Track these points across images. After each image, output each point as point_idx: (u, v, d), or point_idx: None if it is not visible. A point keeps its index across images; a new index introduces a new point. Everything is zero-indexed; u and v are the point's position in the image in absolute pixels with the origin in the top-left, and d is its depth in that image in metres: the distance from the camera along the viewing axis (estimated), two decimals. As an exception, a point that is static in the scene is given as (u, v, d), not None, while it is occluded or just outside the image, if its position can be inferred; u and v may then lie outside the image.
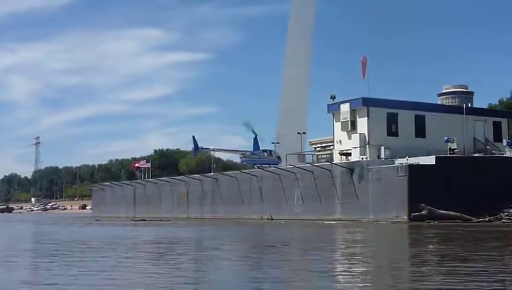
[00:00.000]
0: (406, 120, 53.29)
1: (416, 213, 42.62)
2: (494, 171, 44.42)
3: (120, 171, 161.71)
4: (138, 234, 35.28)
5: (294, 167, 55.42)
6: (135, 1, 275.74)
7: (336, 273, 15.05)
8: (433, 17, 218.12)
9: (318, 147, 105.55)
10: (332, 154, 59.64)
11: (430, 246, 23.40)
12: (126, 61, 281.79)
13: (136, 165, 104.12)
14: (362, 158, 50.02)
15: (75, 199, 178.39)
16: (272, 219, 54.90)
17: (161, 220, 59.19)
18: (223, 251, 22.03)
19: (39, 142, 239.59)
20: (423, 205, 42.48)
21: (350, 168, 49.15)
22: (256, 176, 59.81)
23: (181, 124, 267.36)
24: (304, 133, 75.04)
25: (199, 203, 67.79)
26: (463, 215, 41.71)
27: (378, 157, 49.93)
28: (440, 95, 60.84)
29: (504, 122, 58.70)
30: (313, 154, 69.83)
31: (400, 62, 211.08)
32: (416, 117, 53.94)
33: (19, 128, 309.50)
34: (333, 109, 54.91)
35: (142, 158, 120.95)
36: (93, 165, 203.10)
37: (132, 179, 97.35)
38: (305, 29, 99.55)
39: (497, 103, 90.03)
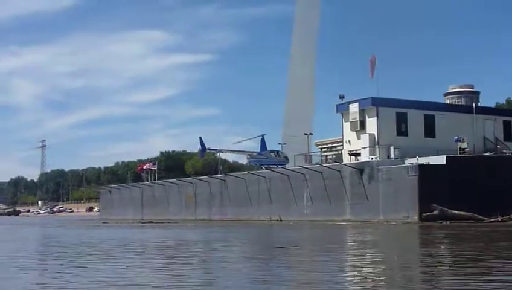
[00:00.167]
0: (416, 120, 52.89)
1: (427, 213, 42.23)
2: (505, 170, 44.07)
3: (126, 174, 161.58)
4: (145, 237, 34.91)
5: (303, 167, 55.10)
6: (138, 3, 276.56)
7: (347, 274, 14.72)
8: (437, 18, 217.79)
9: (324, 147, 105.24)
10: (339, 154, 59.30)
11: (442, 247, 22.93)
12: (130, 63, 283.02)
13: (143, 167, 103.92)
14: (372, 158, 49.66)
15: (82, 201, 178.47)
16: (281, 220, 54.55)
17: (169, 222, 58.91)
18: (232, 253, 21.66)
19: (45, 145, 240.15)
20: (435, 205, 42.08)
21: (360, 168, 48.78)
22: (264, 177, 59.49)
23: (185, 126, 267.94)
24: (311, 134, 74.84)
25: (207, 205, 67.51)
26: (475, 215, 41.25)
27: (388, 157, 49.57)
28: (446, 94, 60.50)
29: (515, 121, 58.14)
30: (321, 155, 69.50)
31: (405, 63, 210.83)
32: (426, 116, 53.53)
33: (24, 131, 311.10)
34: (342, 108, 54.55)
35: (148, 160, 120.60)
36: (99, 168, 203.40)
37: (138, 181, 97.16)
38: (310, 29, 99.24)
39: (504, 102, 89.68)
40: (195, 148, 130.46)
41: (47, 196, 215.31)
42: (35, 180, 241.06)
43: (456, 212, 41.52)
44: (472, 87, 61.91)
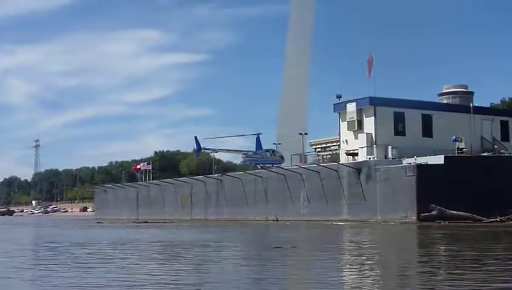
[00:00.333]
0: (413, 119, 52.68)
1: (426, 213, 41.99)
2: (503, 170, 43.85)
3: (120, 173, 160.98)
4: (139, 237, 34.48)
5: (300, 167, 54.81)
6: (133, 2, 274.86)
7: (345, 276, 14.47)
8: (432, 18, 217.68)
9: (318, 148, 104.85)
10: (334, 154, 59.03)
11: (441, 247, 22.67)
12: (124, 62, 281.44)
13: (137, 167, 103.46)
14: (369, 158, 49.40)
15: (76, 201, 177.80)
16: (277, 220, 54.22)
17: (164, 222, 58.54)
18: (228, 253, 21.30)
19: (39, 145, 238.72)
20: (433, 205, 41.85)
21: (357, 168, 48.51)
22: (261, 176, 59.15)
23: (179, 125, 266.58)
24: (306, 133, 74.57)
25: (203, 205, 67.13)
26: (473, 215, 41.01)
27: (386, 157, 49.35)
28: (440, 95, 60.14)
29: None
30: (318, 155, 69.22)
31: (400, 63, 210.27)
32: (423, 116, 53.34)
33: (18, 130, 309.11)
34: (339, 108, 54.25)
35: (143, 160, 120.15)
36: (93, 168, 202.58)
37: (132, 181, 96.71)
38: (304, 29, 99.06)
39: (499, 102, 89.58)
40: (190, 148, 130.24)
41: (41, 195, 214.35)
42: (29, 180, 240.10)
43: (455, 212, 41.29)
44: (466, 87, 61.61)
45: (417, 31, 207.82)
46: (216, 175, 70.30)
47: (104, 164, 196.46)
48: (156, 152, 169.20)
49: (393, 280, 13.48)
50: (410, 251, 22.18)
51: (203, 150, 73.12)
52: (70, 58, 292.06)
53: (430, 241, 26.68)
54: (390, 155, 49.06)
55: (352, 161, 51.24)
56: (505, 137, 56.37)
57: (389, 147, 49.45)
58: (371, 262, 17.24)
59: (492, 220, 40.09)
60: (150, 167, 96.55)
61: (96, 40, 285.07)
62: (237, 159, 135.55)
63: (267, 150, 67.07)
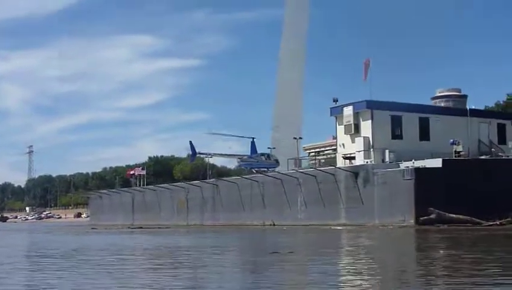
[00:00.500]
0: (410, 123, 52.45)
1: (424, 217, 41.69)
2: (502, 173, 43.65)
3: (115, 179, 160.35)
4: (133, 244, 34.03)
5: (297, 171, 54.56)
6: (127, 8, 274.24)
7: (344, 281, 14.17)
8: (426, 23, 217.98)
9: (312, 152, 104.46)
10: (328, 158, 58.71)
11: (441, 251, 22.34)
12: (119, 68, 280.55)
13: (131, 172, 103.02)
14: (366, 162, 49.13)
15: (70, 207, 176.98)
16: (274, 225, 53.88)
17: (159, 228, 58.06)
18: (224, 259, 20.88)
19: (32, 151, 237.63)
20: (432, 208, 41.58)
21: (355, 172, 48.23)
22: (257, 181, 58.79)
23: (174, 131, 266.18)
24: (301, 138, 74.27)
25: (199, 210, 66.70)
26: (472, 218, 40.73)
27: (383, 160, 49.07)
28: (434, 98, 59.98)
29: (508, 124, 57.72)
30: (315, 159, 68.94)
31: (395, 66, 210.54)
32: (421, 120, 53.09)
33: (12, 136, 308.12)
34: (336, 112, 53.97)
35: (137, 165, 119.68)
36: (87, 173, 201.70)
37: (127, 187, 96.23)
38: (299, 32, 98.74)
39: (493, 105, 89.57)
40: (184, 153, 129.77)
41: (34, 201, 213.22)
42: (23, 186, 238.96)
43: (454, 215, 41.03)
44: (459, 91, 61.52)
45: (411, 35, 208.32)
46: (212, 180, 69.93)
47: (98, 169, 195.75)
48: (150, 157, 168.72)
49: (393, 284, 13.20)
50: (410, 255, 21.88)
51: (198, 155, 72.70)
52: (64, 64, 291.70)
53: (431, 245, 26.37)
54: (387, 159, 48.78)
55: (349, 165, 50.95)
56: (502, 140, 56.14)
57: (387, 151, 49.15)
58: (370, 267, 16.93)
59: (491, 223, 39.84)
60: (144, 172, 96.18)
61: (90, 45, 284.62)
62: (232, 164, 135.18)
63: (262, 154, 66.80)
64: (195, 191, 68.29)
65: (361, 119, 51.86)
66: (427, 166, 43.95)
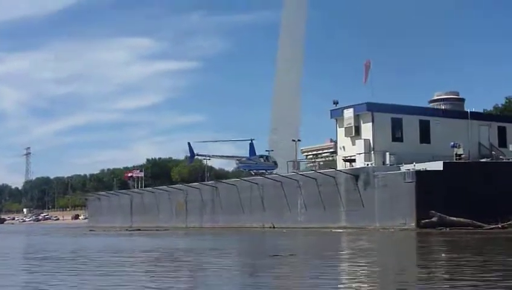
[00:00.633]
0: (411, 125, 52.17)
1: (426, 220, 41.47)
2: (503, 176, 43.45)
3: (112, 181, 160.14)
4: (131, 246, 33.77)
5: (297, 174, 54.28)
6: (124, 10, 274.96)
7: (345, 284, 13.96)
8: (425, 25, 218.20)
9: (310, 154, 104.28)
10: (326, 161, 58.42)
11: (443, 255, 22.10)
12: (115, 70, 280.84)
13: (130, 174, 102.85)
14: (367, 164, 48.85)
15: (67, 209, 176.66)
16: (274, 228, 53.61)
17: (157, 230, 57.81)
18: (223, 262, 20.60)
19: (30, 153, 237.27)
20: (433, 211, 41.38)
21: (355, 174, 47.98)
22: (257, 183, 58.50)
23: (171, 133, 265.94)
24: (299, 140, 74.14)
25: (198, 212, 66.38)
26: (474, 222, 40.52)
27: (383, 163, 48.79)
28: (431, 101, 59.86)
29: (509, 127, 57.50)
30: (315, 161, 68.72)
31: (393, 68, 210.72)
32: (421, 122, 52.85)
33: (8, 138, 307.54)
34: (336, 114, 53.68)
35: (135, 167, 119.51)
36: (85, 175, 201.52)
37: (125, 189, 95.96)
38: (296, 34, 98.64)
39: (492, 108, 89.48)
40: (181, 155, 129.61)
41: (32, 203, 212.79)
42: (20, 187, 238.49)
43: (455, 219, 40.81)
44: (457, 94, 61.42)
45: (410, 36, 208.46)
46: (211, 182, 69.67)
47: (96, 171, 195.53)
48: (148, 159, 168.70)
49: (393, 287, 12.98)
50: (411, 258, 21.66)
51: (196, 157, 72.51)
52: (61, 66, 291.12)
53: (433, 248, 26.15)
54: (388, 161, 48.52)
55: (349, 168, 50.68)
56: (502, 143, 55.91)
57: (387, 153, 48.89)
58: (371, 271, 16.75)
59: (493, 226, 39.64)
60: (142, 174, 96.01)
61: (87, 47, 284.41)
62: (229, 166, 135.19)
63: (261, 156, 66.59)
64: (194, 193, 67.99)
65: (361, 122, 51.59)
66: (428, 169, 43.73)
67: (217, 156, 75.00)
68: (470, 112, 56.12)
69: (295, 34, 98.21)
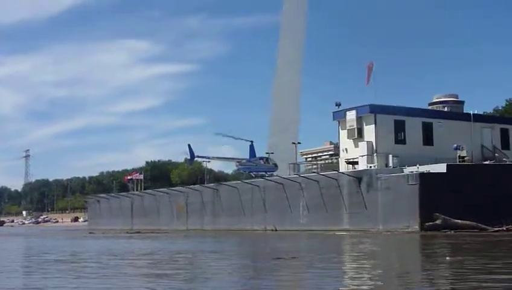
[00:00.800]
0: (414, 127, 51.86)
1: (430, 223, 41.16)
2: (506, 179, 43.13)
3: (112, 183, 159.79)
4: (129, 249, 33.46)
5: (299, 176, 53.92)
6: (123, 13, 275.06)
7: (349, 287, 13.70)
8: (424, 28, 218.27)
9: (309, 157, 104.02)
10: (326, 163, 58.06)
11: (447, 258, 21.79)
12: (115, 73, 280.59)
13: (129, 177, 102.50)
14: (370, 167, 48.52)
15: (67, 211, 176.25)
16: (275, 230, 53.28)
17: (158, 232, 57.47)
18: (225, 265, 20.27)
19: (29, 155, 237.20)
20: (437, 214, 41.09)
21: (358, 177, 47.67)
22: (258, 186, 58.17)
23: (170, 136, 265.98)
24: (299, 143, 73.80)
25: (199, 215, 66.04)
26: (478, 224, 40.20)
27: (386, 165, 48.46)
28: (431, 104, 59.67)
29: (512, 129, 57.31)
30: (317, 163, 68.42)
31: (393, 69, 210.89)
32: (424, 124, 52.54)
33: (8, 140, 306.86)
34: (338, 116, 53.34)
35: (134, 170, 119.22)
36: (84, 178, 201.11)
37: (124, 191, 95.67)
38: (296, 36, 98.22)
39: (492, 111, 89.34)
40: (181, 157, 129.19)
41: (31, 206, 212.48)
42: (19, 190, 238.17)
43: (460, 221, 40.51)
44: (457, 96, 61.22)
45: (410, 37, 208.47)
46: (212, 184, 69.36)
47: (95, 174, 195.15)
48: (147, 162, 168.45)
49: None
50: (416, 261, 21.37)
51: (196, 158, 72.13)
52: (60, 69, 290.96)
53: (438, 251, 25.82)
54: (391, 164, 48.20)
55: (352, 170, 50.36)
56: (505, 145, 55.74)
57: (390, 156, 48.57)
58: (376, 274, 16.47)
59: (498, 229, 39.33)
60: (141, 176, 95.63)
61: (86, 50, 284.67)
62: (229, 169, 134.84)
63: (261, 158, 66.24)
64: (194, 196, 67.66)
65: (364, 124, 51.22)
66: (431, 171, 43.45)
67: (216, 157, 74.64)
68: (473, 114, 55.82)
69: (295, 38, 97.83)
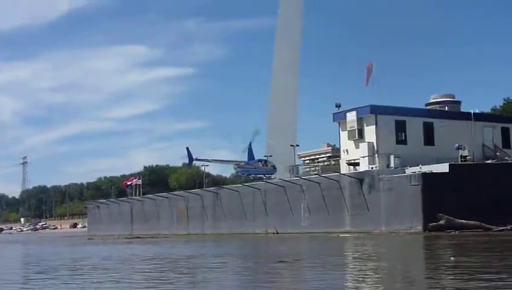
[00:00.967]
0: (415, 128, 51.61)
1: (434, 223, 40.82)
2: (508, 178, 42.84)
3: (110, 189, 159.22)
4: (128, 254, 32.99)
5: (300, 178, 53.59)
6: (120, 18, 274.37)
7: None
8: (420, 29, 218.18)
9: (307, 159, 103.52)
10: (324, 165, 57.79)
11: (452, 258, 21.39)
12: (112, 78, 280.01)
13: (128, 182, 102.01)
14: (371, 167, 48.19)
15: (65, 217, 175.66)
16: (277, 233, 52.88)
17: (157, 237, 57.04)
18: (227, 269, 19.86)
19: (26, 162, 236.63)
20: (441, 214, 40.76)
21: (359, 178, 47.35)
22: (259, 189, 57.81)
23: (168, 140, 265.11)
24: (297, 145, 73.46)
25: (199, 219, 65.66)
26: (482, 224, 39.90)
27: (388, 166, 48.14)
28: (428, 104, 59.44)
29: (513, 128, 57.01)
30: (317, 165, 67.98)
31: (392, 69, 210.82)
32: (425, 124, 52.24)
33: (5, 147, 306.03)
34: (339, 117, 53.06)
35: (132, 175, 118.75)
36: (82, 184, 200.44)
37: (123, 196, 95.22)
38: (292, 40, 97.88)
39: (489, 110, 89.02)
40: (179, 162, 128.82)
41: (29, 212, 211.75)
42: (17, 196, 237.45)
43: (464, 221, 40.23)
44: (453, 96, 61.01)
45: (409, 37, 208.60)
46: (213, 188, 69.00)
47: (93, 179, 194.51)
48: (145, 167, 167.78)
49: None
50: (420, 263, 20.99)
51: (194, 161, 71.69)
52: (57, 75, 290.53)
53: (442, 252, 25.44)
54: (392, 164, 47.88)
55: (353, 171, 50.03)
56: (506, 144, 55.52)
57: (391, 156, 48.26)
58: (380, 276, 16.15)
59: (502, 228, 39.03)
60: (140, 181, 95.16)
61: (83, 56, 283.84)
62: (227, 172, 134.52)
63: (260, 160, 65.78)
64: (195, 200, 67.28)
65: (365, 125, 50.95)
66: (434, 171, 43.14)
67: (215, 160, 74.26)
68: (474, 113, 55.53)
69: (291, 38, 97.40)
